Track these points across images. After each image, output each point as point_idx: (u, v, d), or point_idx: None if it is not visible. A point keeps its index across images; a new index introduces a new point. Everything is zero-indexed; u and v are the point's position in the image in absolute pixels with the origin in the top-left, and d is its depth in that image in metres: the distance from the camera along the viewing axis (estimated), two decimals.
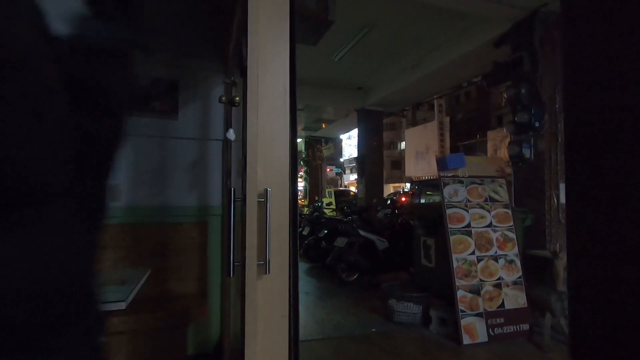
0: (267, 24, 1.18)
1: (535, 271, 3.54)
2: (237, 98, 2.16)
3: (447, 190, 3.48)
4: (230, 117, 2.48)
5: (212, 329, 2.65)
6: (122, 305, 1.49)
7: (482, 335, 3.08)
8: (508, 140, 4.22)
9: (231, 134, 2.21)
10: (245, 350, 1.11)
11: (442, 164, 3.60)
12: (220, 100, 2.38)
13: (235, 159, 2.53)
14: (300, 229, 6.64)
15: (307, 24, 2.45)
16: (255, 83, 1.15)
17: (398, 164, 30.20)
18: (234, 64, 2.32)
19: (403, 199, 9.39)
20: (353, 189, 18.01)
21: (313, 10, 2.36)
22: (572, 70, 0.44)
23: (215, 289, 2.68)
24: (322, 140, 15.30)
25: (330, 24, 2.47)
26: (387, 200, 9.20)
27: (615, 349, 0.39)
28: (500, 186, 3.65)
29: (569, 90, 0.44)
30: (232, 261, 1.29)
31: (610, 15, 0.40)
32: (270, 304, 1.14)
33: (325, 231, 5.72)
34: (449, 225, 3.35)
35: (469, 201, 3.49)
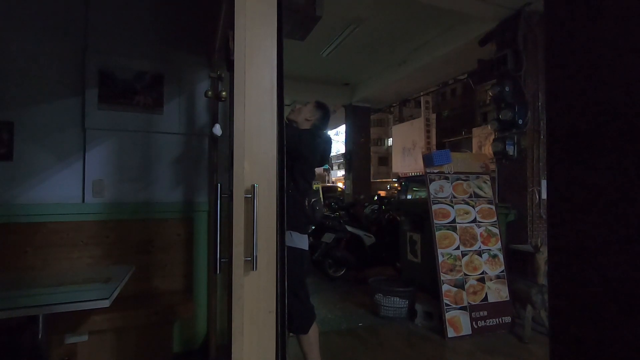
0: (254, 17, 1.16)
1: (517, 265, 3.64)
2: (224, 92, 2.14)
3: (433, 187, 3.52)
4: (217, 111, 2.44)
5: (199, 325, 2.63)
6: (106, 303, 1.46)
7: (466, 328, 3.14)
8: (492, 137, 4.30)
9: (217, 129, 2.18)
10: (232, 347, 1.10)
11: (428, 160, 3.64)
12: (206, 95, 2.35)
13: (222, 155, 2.50)
14: None
15: (294, 19, 2.43)
16: (242, 77, 1.14)
17: (385, 160, 30.42)
18: (221, 58, 2.29)
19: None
20: (340, 185, 18.05)
21: (301, 5, 2.34)
22: (554, 69, 0.45)
23: (201, 285, 2.65)
24: None
25: (318, 19, 2.45)
26: (374, 196, 9.26)
27: (593, 339, 0.40)
28: (485, 182, 3.72)
29: (551, 88, 0.45)
30: (219, 257, 1.28)
31: (592, 14, 0.40)
32: (257, 300, 1.14)
33: (313, 227, 5.72)
34: (435, 221, 3.40)
35: (455, 197, 3.55)
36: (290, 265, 1.84)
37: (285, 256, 1.22)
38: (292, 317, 2.01)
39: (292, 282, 1.90)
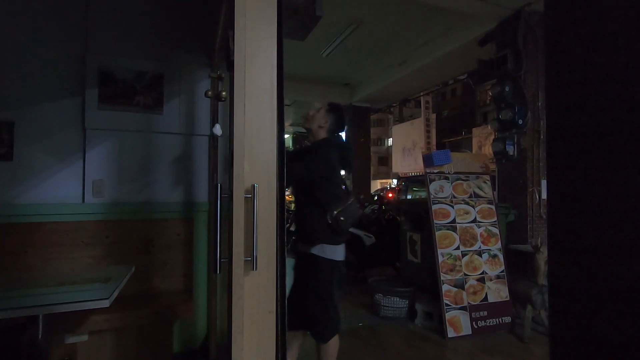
0: (255, 18, 1.16)
1: (517, 265, 3.64)
2: (224, 93, 2.14)
3: (433, 186, 3.52)
4: (217, 112, 2.45)
5: (199, 325, 2.63)
6: (106, 303, 1.46)
7: (466, 328, 3.14)
8: (492, 137, 4.30)
9: (217, 129, 2.18)
10: (232, 347, 1.10)
11: (428, 160, 3.64)
12: (206, 95, 2.35)
13: (222, 155, 2.50)
14: (288, 224, 6.63)
15: (295, 19, 2.43)
16: (242, 78, 1.14)
17: (385, 160, 30.41)
18: (221, 58, 2.29)
19: (390, 195, 9.48)
20: None
21: (301, 5, 2.34)
22: (554, 69, 0.45)
23: (201, 285, 2.65)
24: None
25: (319, 19, 2.45)
26: (374, 196, 9.26)
27: (593, 339, 0.40)
28: (485, 182, 3.72)
29: (551, 88, 0.45)
30: (219, 258, 1.28)
31: (592, 14, 0.40)
32: (257, 300, 1.14)
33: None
34: (435, 221, 3.40)
35: (455, 197, 3.55)
36: (319, 275, 1.98)
37: (285, 258, 1.22)
38: (315, 324, 2.00)
39: (320, 290, 1.97)
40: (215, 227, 1.29)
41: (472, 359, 2.76)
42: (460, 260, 3.35)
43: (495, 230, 3.56)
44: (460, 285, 3.27)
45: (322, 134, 2.15)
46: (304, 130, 2.31)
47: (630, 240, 0.36)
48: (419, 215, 3.94)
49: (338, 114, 2.18)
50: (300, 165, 1.99)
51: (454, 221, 3.45)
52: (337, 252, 2.01)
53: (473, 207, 3.56)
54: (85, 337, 2.07)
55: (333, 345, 2.03)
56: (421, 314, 3.39)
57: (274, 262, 1.17)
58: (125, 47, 2.54)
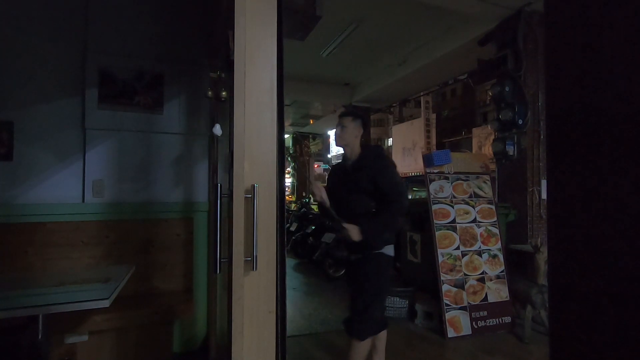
0: (254, 18, 1.16)
1: (517, 265, 3.63)
2: (224, 93, 2.14)
3: (433, 187, 3.52)
4: (217, 112, 2.45)
5: (199, 326, 2.63)
6: (106, 303, 1.46)
7: (466, 328, 3.14)
8: (492, 137, 4.29)
9: (217, 129, 2.18)
10: (232, 347, 1.10)
11: (428, 160, 3.64)
12: (206, 95, 2.35)
13: (222, 155, 2.50)
14: (288, 224, 6.63)
15: (295, 19, 2.43)
16: (242, 78, 1.14)
17: None
18: (221, 58, 2.29)
19: None
20: None
21: (301, 5, 2.34)
22: (554, 69, 0.45)
23: (201, 285, 2.65)
24: (310, 136, 15.26)
25: (319, 19, 2.45)
26: None
27: (593, 339, 0.40)
28: (485, 182, 3.71)
29: (551, 88, 0.45)
30: (219, 257, 1.28)
31: (592, 14, 0.40)
32: (257, 300, 1.14)
33: (313, 227, 5.72)
34: (435, 221, 3.40)
35: (454, 197, 3.55)
36: (377, 268, 1.98)
37: (285, 258, 1.22)
38: (357, 318, 1.95)
39: (373, 284, 1.95)
40: (215, 227, 1.30)
41: (472, 359, 2.76)
42: (460, 260, 3.35)
43: (495, 230, 3.56)
44: (460, 285, 3.27)
45: (358, 143, 2.13)
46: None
47: (630, 240, 0.36)
48: (419, 215, 3.94)
49: (362, 118, 2.18)
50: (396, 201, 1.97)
51: (454, 221, 3.45)
52: (390, 248, 2.05)
53: (473, 207, 3.56)
54: (85, 337, 2.07)
55: (365, 346, 1.98)
56: (421, 314, 3.39)
57: (274, 262, 1.17)
58: (125, 47, 2.54)
